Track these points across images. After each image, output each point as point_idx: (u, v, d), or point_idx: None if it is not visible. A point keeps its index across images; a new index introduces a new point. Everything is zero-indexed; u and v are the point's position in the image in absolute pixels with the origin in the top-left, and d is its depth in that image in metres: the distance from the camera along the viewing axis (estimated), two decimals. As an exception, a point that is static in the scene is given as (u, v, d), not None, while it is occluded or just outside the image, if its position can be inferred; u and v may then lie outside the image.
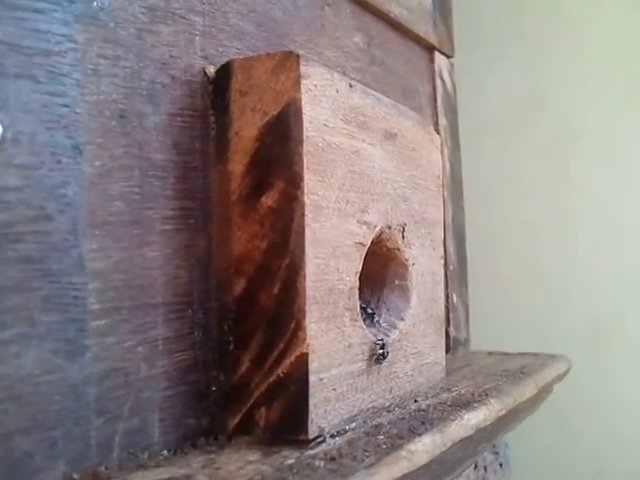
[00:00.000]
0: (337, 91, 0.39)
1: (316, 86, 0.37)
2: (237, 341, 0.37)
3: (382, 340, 0.42)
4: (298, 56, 0.36)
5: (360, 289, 0.41)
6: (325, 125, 0.37)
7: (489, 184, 0.93)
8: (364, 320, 0.42)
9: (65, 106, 0.31)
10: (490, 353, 0.68)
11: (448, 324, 0.67)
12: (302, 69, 0.36)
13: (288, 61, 0.36)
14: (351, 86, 0.40)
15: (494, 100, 0.94)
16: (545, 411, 0.64)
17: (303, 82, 0.36)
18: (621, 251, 0.87)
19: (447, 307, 0.66)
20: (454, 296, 0.69)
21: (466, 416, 0.42)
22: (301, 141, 0.35)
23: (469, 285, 0.75)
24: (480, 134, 0.91)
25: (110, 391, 0.32)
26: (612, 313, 0.87)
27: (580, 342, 0.87)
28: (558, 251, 0.91)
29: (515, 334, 0.90)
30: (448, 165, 0.70)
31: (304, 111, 0.36)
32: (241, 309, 0.37)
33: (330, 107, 0.38)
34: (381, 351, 0.42)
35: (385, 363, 0.43)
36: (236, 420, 0.37)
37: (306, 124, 0.36)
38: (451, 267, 0.69)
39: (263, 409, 0.36)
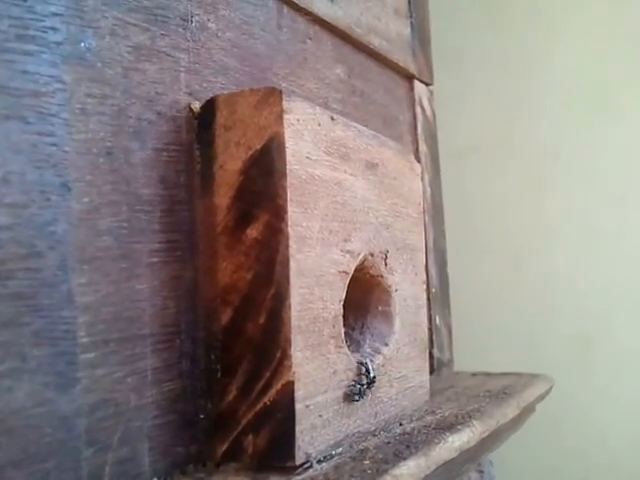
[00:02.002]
0: (319, 124, 0.40)
1: (298, 120, 0.38)
2: (224, 370, 0.37)
3: (366, 365, 0.43)
4: (281, 92, 0.37)
5: (344, 316, 0.42)
6: (308, 158, 0.38)
7: (470, 205, 0.95)
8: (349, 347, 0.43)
9: (54, 145, 0.31)
10: (474, 374, 0.69)
11: (431, 345, 0.68)
12: (284, 104, 0.37)
13: (271, 96, 0.37)
14: (333, 119, 0.41)
15: (473, 123, 0.96)
16: (531, 422, 0.64)
17: (286, 117, 0.37)
18: (602, 265, 0.89)
19: (430, 329, 0.67)
20: (437, 318, 0.70)
21: (450, 439, 0.43)
22: (284, 174, 0.36)
23: (452, 306, 0.76)
24: (460, 156, 0.93)
25: (100, 422, 0.33)
26: (596, 326, 0.89)
27: (565, 355, 0.89)
28: (540, 268, 0.93)
29: (500, 351, 0.92)
30: (429, 190, 0.71)
31: (287, 145, 0.37)
32: (228, 338, 0.37)
33: (312, 140, 0.39)
34: (366, 380, 0.42)
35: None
36: (224, 447, 0.37)
37: (289, 157, 0.37)
38: (433, 290, 0.70)
39: (250, 436, 0.37)
